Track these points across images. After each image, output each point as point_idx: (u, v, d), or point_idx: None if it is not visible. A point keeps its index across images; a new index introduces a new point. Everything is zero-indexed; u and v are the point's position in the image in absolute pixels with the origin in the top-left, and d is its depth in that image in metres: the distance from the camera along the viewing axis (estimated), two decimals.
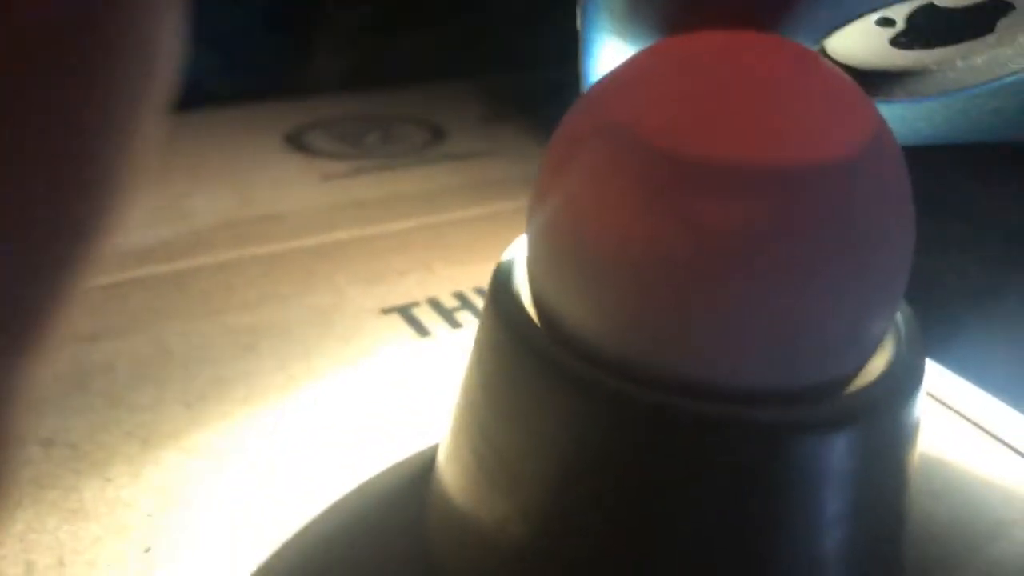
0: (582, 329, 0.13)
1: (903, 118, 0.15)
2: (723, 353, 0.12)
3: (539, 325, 0.14)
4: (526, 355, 0.13)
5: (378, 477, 0.19)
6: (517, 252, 0.15)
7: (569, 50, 0.17)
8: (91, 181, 0.07)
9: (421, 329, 0.25)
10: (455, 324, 0.26)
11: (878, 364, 0.14)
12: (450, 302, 0.27)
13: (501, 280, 0.15)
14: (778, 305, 0.12)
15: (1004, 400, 0.22)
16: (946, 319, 0.23)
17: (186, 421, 0.21)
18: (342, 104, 0.44)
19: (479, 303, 0.27)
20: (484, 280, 0.28)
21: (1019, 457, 0.21)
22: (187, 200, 0.33)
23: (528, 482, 0.14)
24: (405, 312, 0.26)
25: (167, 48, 0.07)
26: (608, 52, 0.17)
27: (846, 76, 0.13)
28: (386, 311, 0.26)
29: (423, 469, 0.17)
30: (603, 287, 0.13)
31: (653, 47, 0.14)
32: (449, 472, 0.16)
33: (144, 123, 0.07)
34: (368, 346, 0.25)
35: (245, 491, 0.19)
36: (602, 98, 0.13)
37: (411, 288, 0.28)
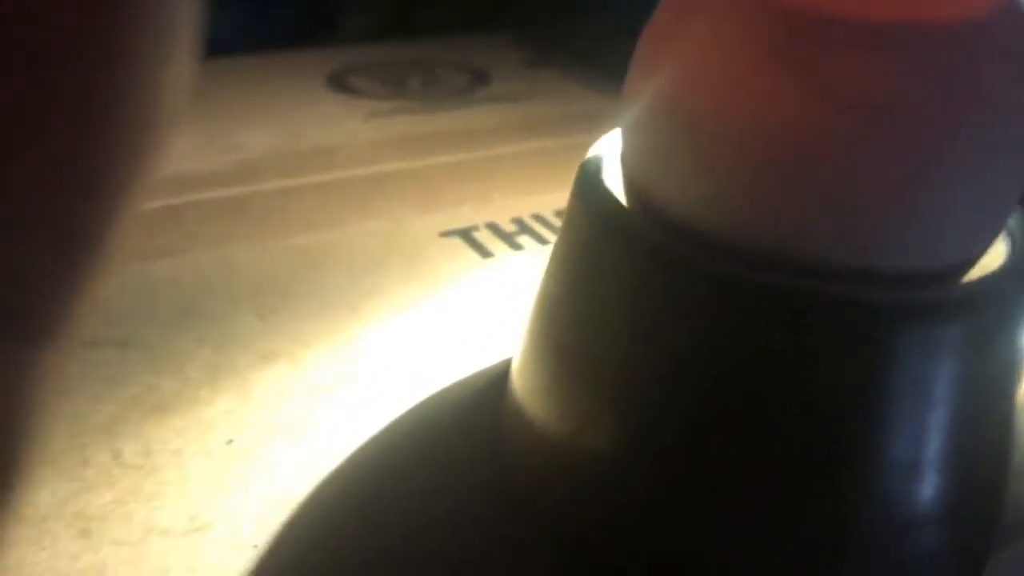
0: (690, 213, 0.12)
1: None
2: (838, 233, 0.12)
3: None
4: (624, 239, 0.13)
5: (448, 389, 0.18)
6: (604, 148, 0.15)
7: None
8: (115, 139, 0.07)
9: (483, 250, 0.25)
10: (516, 246, 0.26)
11: (991, 260, 0.14)
12: (509, 227, 0.27)
13: (590, 170, 0.14)
14: (903, 180, 0.11)
15: None
16: None
17: (258, 330, 0.21)
18: (383, 51, 0.43)
19: (539, 229, 0.27)
20: (542, 208, 0.28)
21: None
22: (234, 134, 0.33)
23: (617, 375, 0.13)
24: (466, 235, 0.26)
25: None
26: None
27: None
28: (445, 234, 0.26)
29: (495, 381, 0.17)
30: (721, 162, 0.12)
31: None
32: (527, 376, 0.15)
33: (173, 65, 0.07)
34: (431, 265, 0.25)
35: (320, 394, 0.19)
36: None
37: (469, 214, 0.28)
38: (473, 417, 0.17)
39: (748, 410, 0.12)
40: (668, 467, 0.13)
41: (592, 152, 0.15)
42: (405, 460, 0.17)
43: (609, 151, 0.15)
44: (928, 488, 0.13)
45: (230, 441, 0.18)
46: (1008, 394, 0.14)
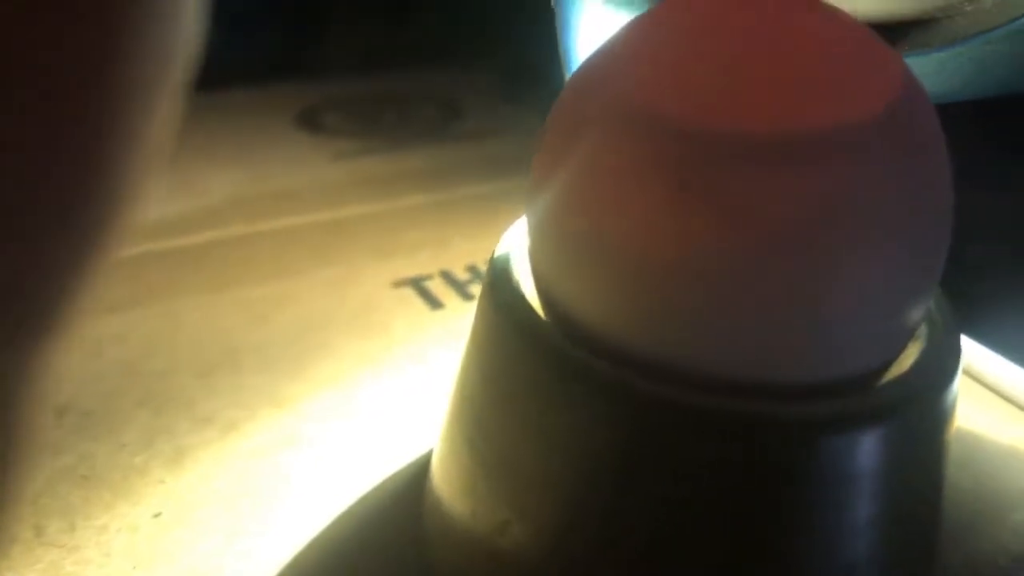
0: (594, 321, 0.12)
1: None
2: (748, 348, 0.11)
3: (544, 316, 0.13)
4: (533, 347, 0.13)
5: (377, 488, 0.18)
6: (514, 240, 0.14)
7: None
8: (109, 160, 0.07)
9: (434, 302, 0.25)
10: (467, 296, 0.26)
11: (913, 350, 0.14)
12: (463, 275, 0.27)
13: (500, 269, 0.14)
14: (813, 295, 0.11)
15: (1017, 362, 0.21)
16: (961, 284, 0.23)
17: (198, 391, 0.21)
18: (355, 86, 0.43)
19: None
20: None
21: None
22: (200, 178, 0.33)
23: (530, 482, 0.13)
24: (417, 284, 0.26)
25: (187, 26, 0.07)
26: (593, 22, 0.16)
27: (862, 24, 0.12)
28: (398, 284, 0.26)
29: (420, 475, 0.17)
30: (621, 280, 0.12)
31: (653, 11, 0.12)
32: (444, 474, 0.15)
33: (164, 99, 0.07)
34: (381, 318, 0.24)
35: (256, 459, 0.19)
36: (604, 74, 0.12)
37: (424, 261, 0.28)
38: (399, 521, 0.17)
39: (665, 525, 0.12)
40: (576, 570, 0.13)
41: (502, 245, 0.14)
42: (337, 564, 0.16)
43: (519, 244, 0.14)
44: None
45: (158, 514, 0.18)
46: (934, 486, 0.14)
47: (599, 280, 0.12)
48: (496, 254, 0.14)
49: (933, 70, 0.14)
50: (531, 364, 0.13)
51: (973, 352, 0.22)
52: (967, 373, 0.22)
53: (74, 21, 0.06)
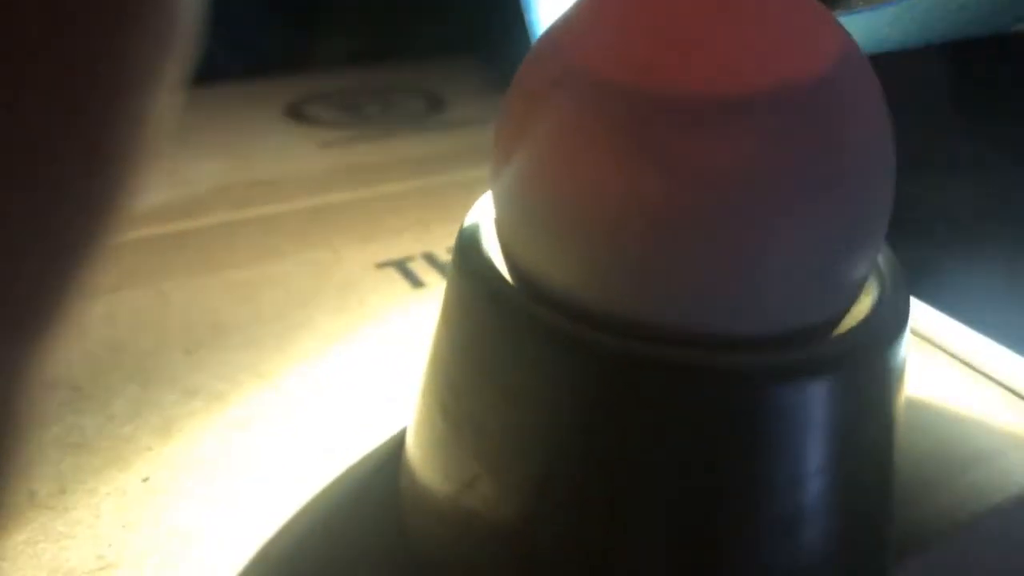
0: (557, 283, 0.13)
1: (870, 27, 0.15)
2: (703, 300, 0.12)
3: (511, 282, 0.14)
4: (496, 306, 0.13)
5: (355, 466, 0.18)
6: (482, 212, 0.15)
7: None
8: (106, 158, 0.07)
9: (415, 281, 0.26)
10: None
11: (862, 308, 0.14)
12: (444, 256, 0.27)
13: (468, 238, 0.14)
14: (757, 247, 0.11)
15: (986, 333, 0.22)
16: (921, 247, 0.24)
17: (185, 366, 0.22)
18: (343, 78, 0.44)
19: None
20: None
21: (1001, 389, 0.21)
22: (186, 168, 0.34)
23: (496, 436, 0.13)
24: (401, 266, 0.27)
25: (186, 19, 0.07)
26: None
27: None
28: (381, 265, 0.27)
29: (399, 449, 0.17)
30: (577, 239, 0.12)
31: None
32: (417, 439, 0.15)
33: (162, 92, 0.08)
34: (363, 297, 0.25)
35: (240, 428, 0.20)
36: (558, 44, 0.13)
37: (406, 244, 0.28)
38: (377, 493, 0.18)
39: (622, 474, 0.13)
40: (543, 529, 0.13)
41: (471, 216, 0.15)
42: (313, 558, 0.17)
43: (487, 212, 0.15)
44: (809, 540, 0.13)
45: (146, 479, 0.18)
46: (882, 439, 0.14)
47: (557, 242, 0.12)
48: (465, 224, 0.15)
49: (889, 22, 0.15)
50: (496, 323, 0.13)
51: (939, 321, 0.23)
52: (932, 342, 0.23)
53: (71, 21, 0.06)
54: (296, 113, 0.40)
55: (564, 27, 0.13)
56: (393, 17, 0.48)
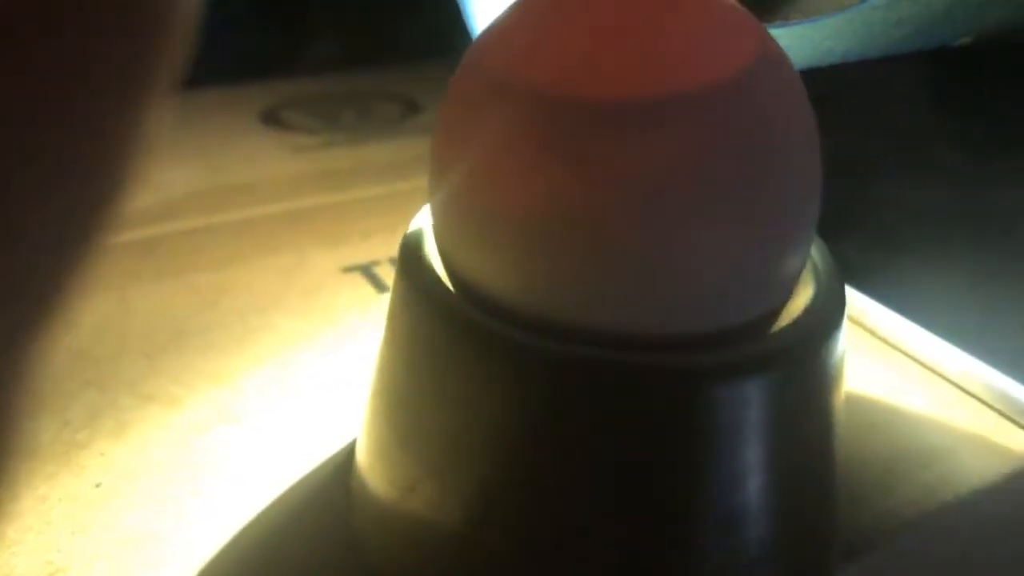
0: (494, 289, 0.13)
1: (811, 40, 0.15)
2: (634, 302, 0.12)
3: (452, 290, 0.14)
4: (435, 312, 0.13)
5: (310, 474, 0.19)
6: (425, 219, 0.15)
7: None
8: (103, 159, 0.08)
9: (380, 285, 0.26)
10: None
11: (799, 304, 0.14)
12: None
13: (410, 245, 0.15)
14: (680, 247, 0.12)
15: (935, 331, 0.22)
16: (871, 246, 0.24)
17: (144, 370, 0.22)
18: (320, 83, 0.44)
19: None
20: None
21: (954, 388, 0.21)
22: (160, 173, 0.34)
23: (437, 439, 0.14)
24: (366, 270, 0.27)
25: (182, 20, 0.08)
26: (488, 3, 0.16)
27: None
28: (347, 269, 0.27)
29: (348, 459, 0.17)
30: (508, 246, 0.12)
31: None
32: (365, 444, 0.16)
33: (157, 93, 0.08)
34: (327, 300, 0.25)
35: (196, 432, 0.20)
36: (485, 51, 0.13)
37: (373, 248, 0.28)
38: (331, 489, 0.18)
39: (563, 476, 0.13)
40: (487, 533, 0.13)
41: (414, 223, 0.15)
42: (268, 549, 0.17)
43: (427, 221, 0.15)
44: (749, 538, 0.13)
45: (98, 484, 0.18)
46: (823, 435, 0.14)
47: (490, 249, 0.13)
48: (408, 231, 0.15)
49: (831, 35, 0.15)
50: (435, 329, 0.13)
51: (889, 320, 0.23)
52: (884, 340, 0.23)
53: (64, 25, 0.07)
54: (272, 118, 0.40)
55: (492, 33, 0.13)
56: (370, 21, 0.49)
